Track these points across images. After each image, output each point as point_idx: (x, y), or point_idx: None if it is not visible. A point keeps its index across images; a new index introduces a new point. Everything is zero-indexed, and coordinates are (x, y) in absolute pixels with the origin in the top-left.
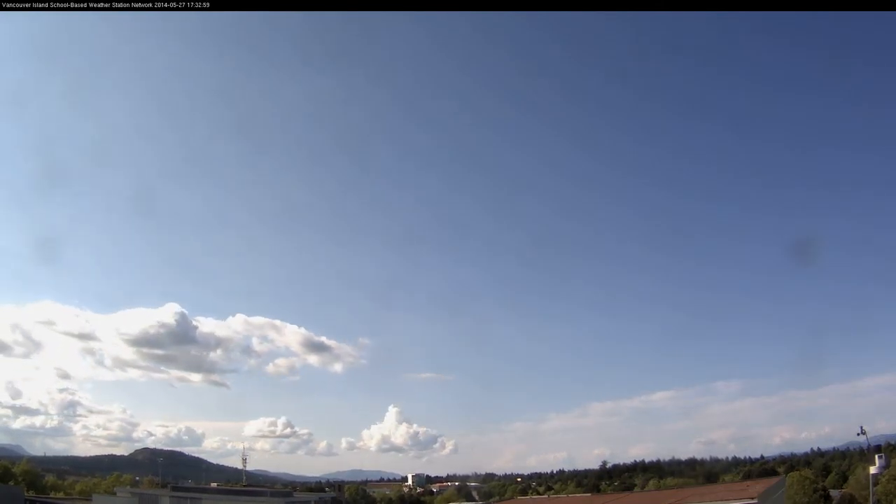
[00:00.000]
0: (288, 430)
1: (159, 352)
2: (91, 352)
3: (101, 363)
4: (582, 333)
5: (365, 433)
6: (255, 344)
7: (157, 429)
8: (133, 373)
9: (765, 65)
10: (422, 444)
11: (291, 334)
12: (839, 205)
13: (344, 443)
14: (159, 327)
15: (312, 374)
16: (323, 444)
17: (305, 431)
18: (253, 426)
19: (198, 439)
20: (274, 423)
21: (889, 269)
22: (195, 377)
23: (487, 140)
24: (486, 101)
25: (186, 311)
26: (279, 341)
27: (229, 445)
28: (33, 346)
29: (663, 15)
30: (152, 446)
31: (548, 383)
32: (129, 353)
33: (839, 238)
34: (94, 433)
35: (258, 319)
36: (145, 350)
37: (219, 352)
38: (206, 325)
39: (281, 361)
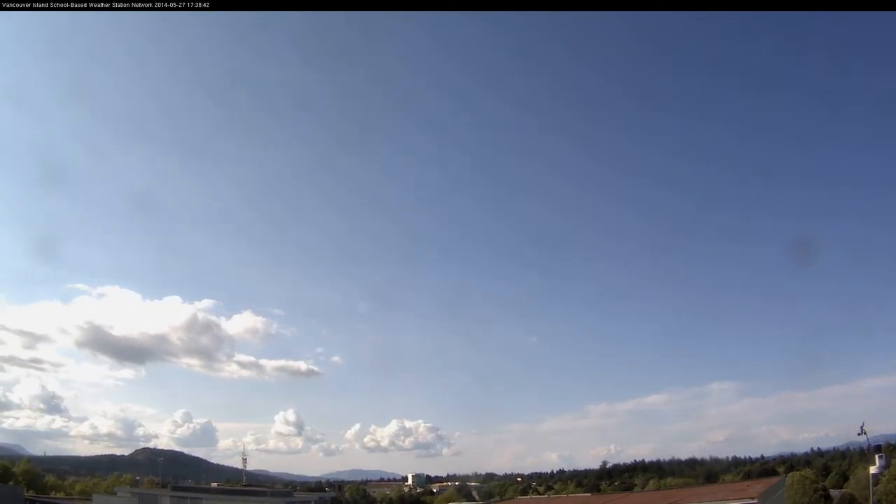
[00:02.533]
0: (297, 430)
1: (154, 352)
2: (90, 349)
3: (100, 361)
4: (581, 334)
5: (366, 433)
6: (256, 343)
7: (162, 429)
8: (135, 372)
9: (765, 65)
10: (422, 444)
11: (292, 333)
12: (838, 205)
13: (344, 442)
14: (164, 325)
15: (311, 375)
16: (324, 444)
17: (310, 431)
18: (262, 426)
19: (211, 439)
20: (285, 423)
21: (889, 270)
22: (197, 375)
23: (487, 140)
24: (487, 101)
25: (188, 306)
26: (279, 340)
27: (236, 445)
28: (38, 344)
29: (663, 15)
30: (155, 446)
31: (548, 384)
32: (126, 353)
33: (838, 239)
34: (97, 433)
35: (260, 318)
36: (136, 351)
37: (222, 351)
38: (210, 321)
39: (279, 361)
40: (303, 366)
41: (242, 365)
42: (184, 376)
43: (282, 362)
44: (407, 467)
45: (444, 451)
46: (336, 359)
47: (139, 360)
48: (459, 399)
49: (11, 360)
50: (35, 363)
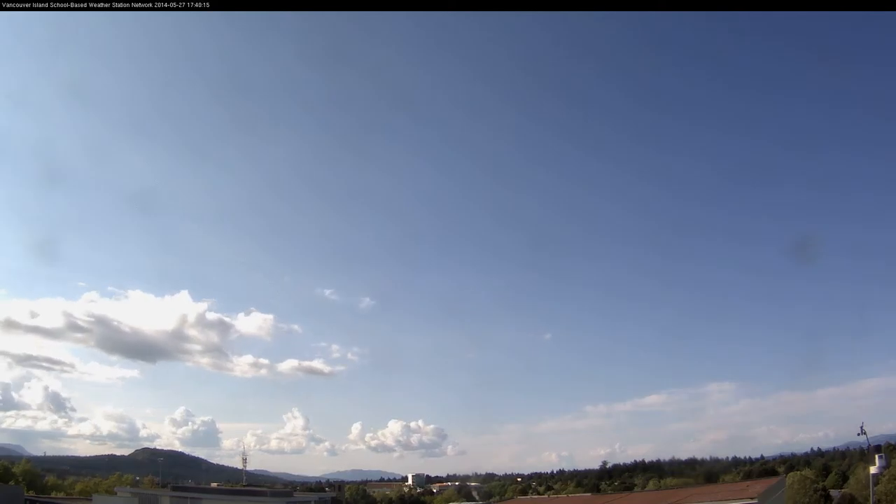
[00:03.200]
0: (302, 430)
1: (157, 351)
2: (97, 348)
3: (107, 360)
4: (579, 334)
5: (366, 433)
6: (259, 343)
7: (165, 429)
8: (141, 371)
9: (765, 65)
10: (426, 444)
11: (294, 333)
12: (838, 205)
13: (347, 442)
14: (172, 322)
15: (312, 375)
16: (326, 444)
17: (313, 430)
18: (265, 426)
19: (214, 439)
20: (291, 423)
21: (888, 271)
22: (202, 374)
23: (488, 139)
24: (487, 100)
25: (192, 305)
26: (283, 340)
27: (239, 445)
28: (44, 343)
29: (663, 15)
30: (155, 446)
31: (546, 385)
32: (125, 352)
33: (838, 239)
34: (100, 432)
35: (264, 316)
36: (140, 349)
37: (229, 349)
38: (216, 321)
39: (282, 361)
40: (306, 365)
41: (248, 364)
42: (190, 376)
43: (285, 362)
44: (411, 467)
45: (449, 450)
46: (340, 359)
47: (146, 359)
48: (459, 399)
49: (17, 359)
50: (40, 362)
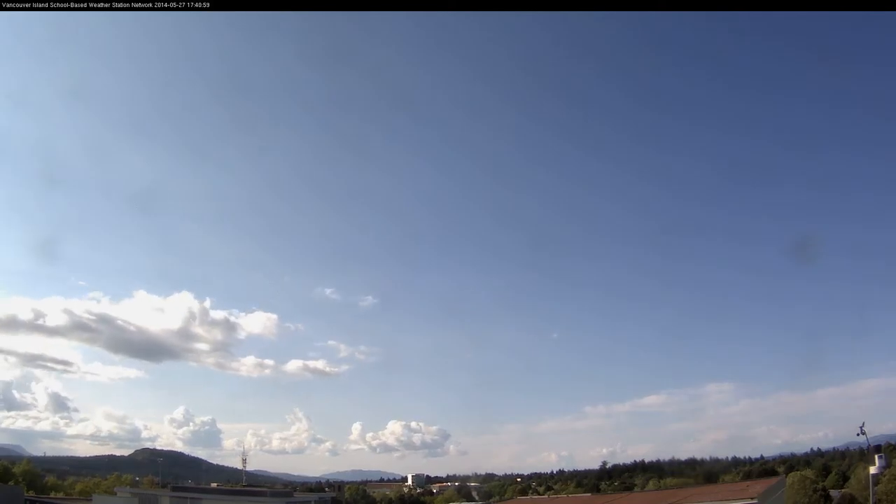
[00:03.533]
0: (303, 430)
1: (163, 350)
2: (100, 348)
3: (109, 360)
4: (579, 335)
5: (366, 433)
6: (260, 343)
7: (166, 429)
8: (142, 371)
9: (765, 65)
10: (424, 445)
11: (295, 333)
12: (838, 205)
13: (348, 443)
14: (173, 322)
15: (316, 374)
16: (327, 445)
17: (315, 430)
18: (265, 426)
19: (215, 440)
20: (293, 423)
21: (888, 271)
22: (203, 374)
23: (487, 139)
24: (487, 101)
25: (197, 304)
26: (283, 340)
27: (240, 445)
28: (46, 342)
29: (663, 15)
30: (154, 447)
31: (547, 384)
32: (127, 352)
33: (838, 239)
34: (101, 432)
35: (266, 316)
36: (145, 349)
37: (230, 349)
38: (217, 320)
39: (282, 361)
40: (311, 365)
41: (252, 364)
42: (194, 375)
43: (289, 362)
44: (412, 467)
45: (451, 450)
46: (346, 358)
47: (151, 359)
48: (459, 400)
49: (21, 359)
50: (44, 361)
